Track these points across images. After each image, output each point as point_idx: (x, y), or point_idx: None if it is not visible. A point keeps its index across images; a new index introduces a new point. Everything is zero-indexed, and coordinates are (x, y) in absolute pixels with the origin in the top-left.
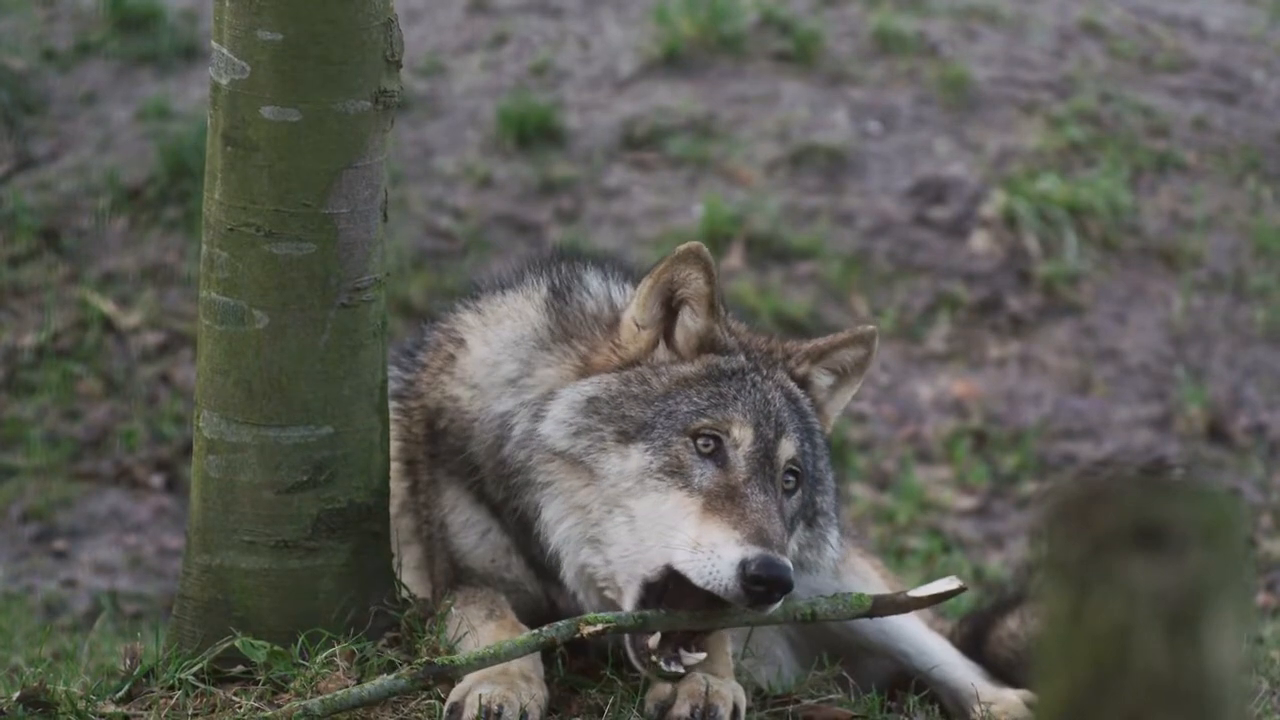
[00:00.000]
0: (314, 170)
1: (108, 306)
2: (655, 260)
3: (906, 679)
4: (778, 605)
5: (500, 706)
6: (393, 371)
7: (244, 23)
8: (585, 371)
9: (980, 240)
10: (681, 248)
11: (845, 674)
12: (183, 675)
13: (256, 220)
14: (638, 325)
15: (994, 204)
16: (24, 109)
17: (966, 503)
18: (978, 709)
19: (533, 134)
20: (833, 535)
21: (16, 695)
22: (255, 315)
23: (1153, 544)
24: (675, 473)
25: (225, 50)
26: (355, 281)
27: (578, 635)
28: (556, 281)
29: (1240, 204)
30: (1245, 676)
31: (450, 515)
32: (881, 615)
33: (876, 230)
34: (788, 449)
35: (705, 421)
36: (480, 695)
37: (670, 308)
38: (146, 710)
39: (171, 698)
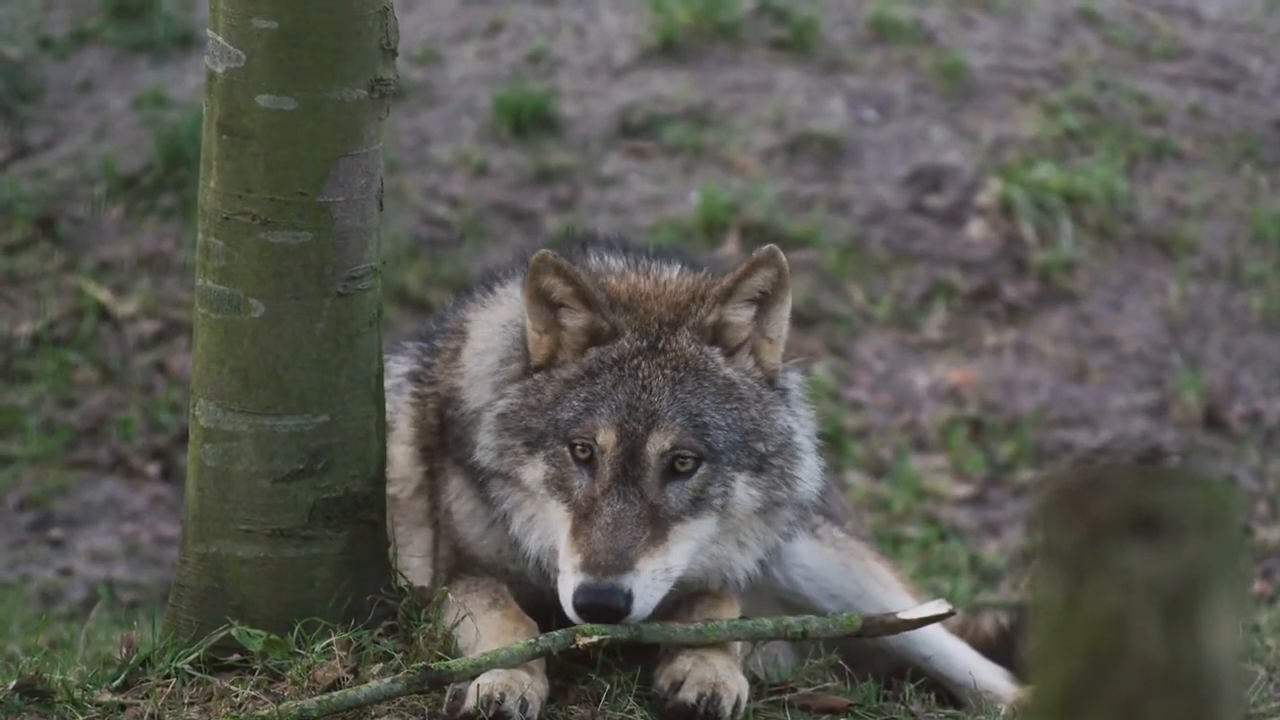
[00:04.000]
0: (310, 159)
1: (104, 295)
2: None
3: (903, 668)
4: (634, 616)
5: (502, 695)
6: (413, 352)
7: (239, 11)
8: (526, 372)
9: (976, 228)
10: (532, 259)
11: (841, 663)
12: (179, 664)
13: (252, 209)
14: (537, 333)
15: (990, 192)
16: (20, 97)
17: (963, 491)
18: (1004, 709)
19: (529, 122)
20: (802, 469)
21: (13, 684)
22: (251, 304)
23: (1149, 531)
24: (561, 484)
25: (221, 38)
26: (351, 270)
27: (573, 646)
28: None
29: (1236, 191)
30: (1242, 664)
31: (456, 504)
32: (871, 636)
33: (872, 218)
34: (660, 442)
35: (576, 430)
36: (481, 685)
37: (555, 309)
38: (143, 699)
39: (168, 686)
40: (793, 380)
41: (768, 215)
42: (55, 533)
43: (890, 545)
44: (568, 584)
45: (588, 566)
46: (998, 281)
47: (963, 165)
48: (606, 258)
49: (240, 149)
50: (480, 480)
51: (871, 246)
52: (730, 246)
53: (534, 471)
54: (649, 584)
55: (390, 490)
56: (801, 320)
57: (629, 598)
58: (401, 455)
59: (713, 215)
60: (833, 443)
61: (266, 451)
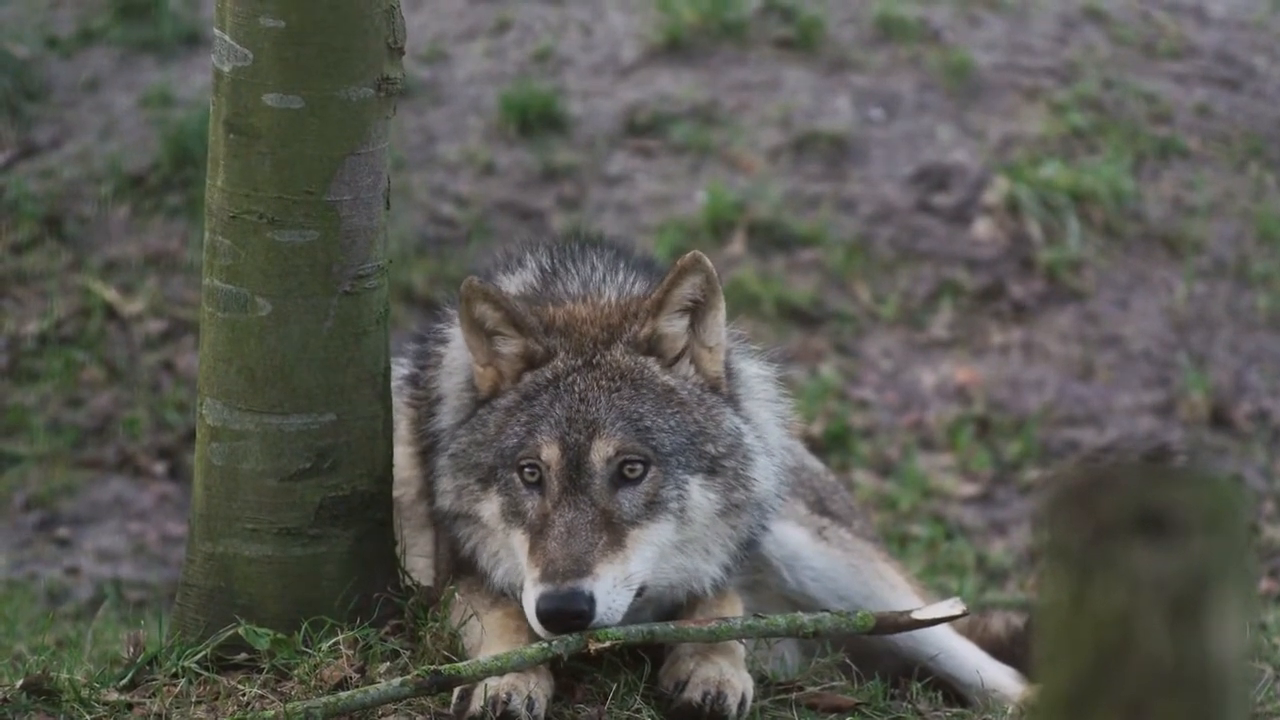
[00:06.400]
0: (317, 157)
1: (110, 294)
2: (655, 249)
3: (910, 667)
4: (599, 621)
5: (509, 695)
6: (411, 355)
7: (246, 9)
8: (474, 409)
9: (983, 227)
10: (462, 289)
11: (848, 662)
12: (186, 663)
13: (259, 207)
14: (481, 366)
15: (997, 190)
16: (27, 96)
17: (969, 489)
18: (1011, 708)
19: (535, 121)
20: (755, 470)
21: (20, 683)
22: (258, 303)
23: (1155, 530)
24: (516, 511)
25: (228, 37)
26: (358, 269)
27: (585, 650)
28: (545, 266)
29: (1243, 190)
30: (1248, 663)
31: None
32: (884, 634)
33: (879, 217)
34: (603, 449)
35: (522, 453)
36: (488, 684)
37: (491, 337)
38: (150, 698)
39: (175, 685)
40: (748, 378)
41: (774, 214)
42: (62, 532)
43: (897, 544)
44: (529, 597)
45: (546, 575)
46: (1004, 280)
47: (969, 164)
48: (567, 283)
49: (247, 148)
50: (446, 524)
51: (878, 245)
52: (737, 246)
53: (491, 506)
54: (610, 589)
55: (394, 493)
56: (808, 319)
57: (591, 601)
58: (403, 458)
59: (719, 214)
60: (839, 441)
61: (273, 450)
